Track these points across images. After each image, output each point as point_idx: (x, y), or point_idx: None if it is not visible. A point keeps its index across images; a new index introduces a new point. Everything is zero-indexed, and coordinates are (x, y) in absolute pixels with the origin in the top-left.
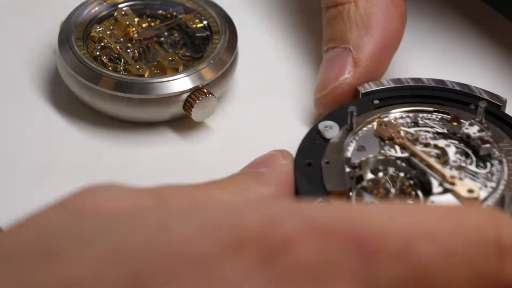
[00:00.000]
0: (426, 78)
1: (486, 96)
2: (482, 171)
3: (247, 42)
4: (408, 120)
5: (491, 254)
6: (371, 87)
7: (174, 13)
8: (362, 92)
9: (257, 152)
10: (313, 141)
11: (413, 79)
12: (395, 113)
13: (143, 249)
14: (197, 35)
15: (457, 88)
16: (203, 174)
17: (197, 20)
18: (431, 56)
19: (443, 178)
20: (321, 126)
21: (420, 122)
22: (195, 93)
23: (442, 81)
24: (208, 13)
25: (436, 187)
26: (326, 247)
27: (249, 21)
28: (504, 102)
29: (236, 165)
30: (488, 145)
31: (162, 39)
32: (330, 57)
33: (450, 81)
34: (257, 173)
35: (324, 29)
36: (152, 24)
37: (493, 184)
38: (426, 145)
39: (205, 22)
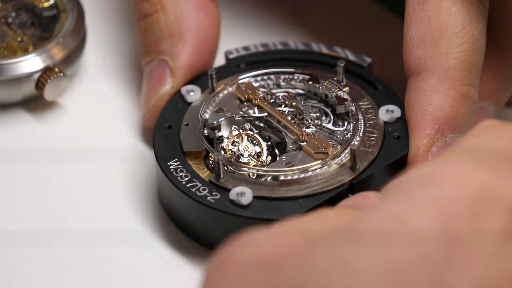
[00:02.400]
0: (294, 42)
1: (351, 57)
2: (338, 128)
3: (96, 20)
4: (270, 82)
5: None
6: (239, 52)
7: None
8: (230, 57)
9: (110, 129)
10: (176, 105)
11: (282, 43)
12: (256, 76)
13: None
14: (45, 14)
15: (324, 50)
16: (58, 153)
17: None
18: (300, 20)
19: (296, 136)
20: (183, 90)
21: (282, 83)
22: (47, 73)
23: (309, 44)
24: None
25: (290, 145)
26: None
27: None
28: (368, 62)
29: (89, 143)
30: (344, 104)
31: (10, 20)
32: (149, 71)
33: (317, 44)
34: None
35: (139, 43)
36: None
37: (347, 141)
38: (284, 105)
39: (51, 1)
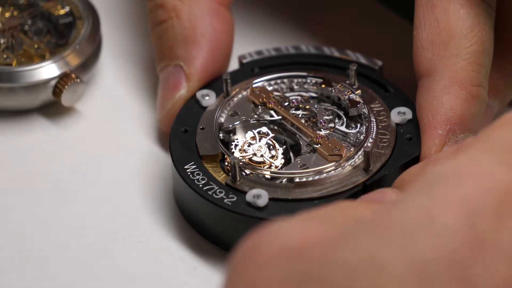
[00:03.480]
0: (306, 46)
1: (362, 60)
2: (351, 131)
3: (111, 26)
4: (283, 85)
5: None
6: (252, 56)
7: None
8: (244, 62)
9: (127, 134)
10: (191, 109)
11: (294, 47)
12: (270, 79)
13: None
14: (60, 21)
15: (336, 54)
16: (76, 158)
17: (59, 7)
18: (311, 24)
19: (310, 139)
20: (198, 94)
21: (295, 87)
22: (64, 79)
23: (320, 48)
24: None
25: (304, 147)
26: None
27: (111, 5)
28: (379, 65)
29: (106, 147)
30: (356, 107)
31: (26, 27)
32: (164, 76)
33: (328, 48)
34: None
35: (154, 49)
36: (15, 13)
37: (360, 143)
38: (298, 108)
39: (67, 8)
